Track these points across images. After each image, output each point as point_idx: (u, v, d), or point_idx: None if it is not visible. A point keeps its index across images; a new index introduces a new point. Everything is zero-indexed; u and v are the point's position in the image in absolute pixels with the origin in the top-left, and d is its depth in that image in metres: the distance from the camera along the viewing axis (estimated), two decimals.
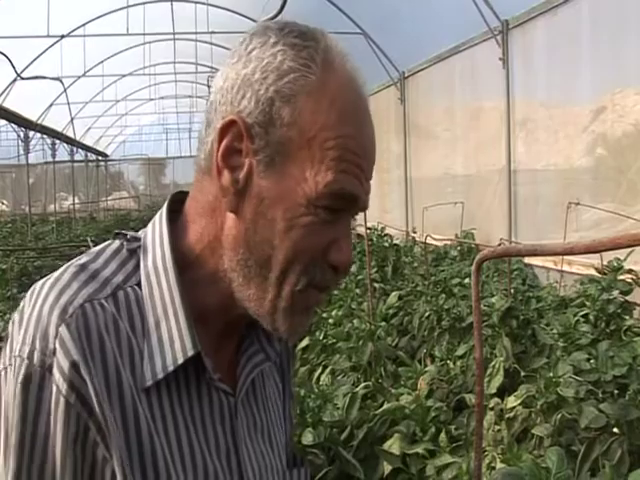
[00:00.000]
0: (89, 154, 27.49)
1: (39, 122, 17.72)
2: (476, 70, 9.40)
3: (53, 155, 21.23)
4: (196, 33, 14.94)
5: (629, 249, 4.70)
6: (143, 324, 0.79)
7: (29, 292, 0.78)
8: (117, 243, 0.84)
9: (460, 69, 9.95)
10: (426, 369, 4.26)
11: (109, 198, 28.95)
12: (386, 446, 3.26)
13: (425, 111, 11.45)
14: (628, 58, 6.39)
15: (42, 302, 0.75)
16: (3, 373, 0.74)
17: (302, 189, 0.77)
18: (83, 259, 0.81)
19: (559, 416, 3.15)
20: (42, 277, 0.82)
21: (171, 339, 0.78)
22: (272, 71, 0.77)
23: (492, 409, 3.49)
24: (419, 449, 3.22)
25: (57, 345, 0.71)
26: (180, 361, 0.77)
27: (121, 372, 0.74)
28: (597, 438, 2.99)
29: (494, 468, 2.98)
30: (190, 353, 0.77)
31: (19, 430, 0.72)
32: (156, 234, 0.84)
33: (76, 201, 22.94)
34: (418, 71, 11.41)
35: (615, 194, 6.75)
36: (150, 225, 0.86)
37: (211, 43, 16.86)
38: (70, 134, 20.21)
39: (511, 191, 8.44)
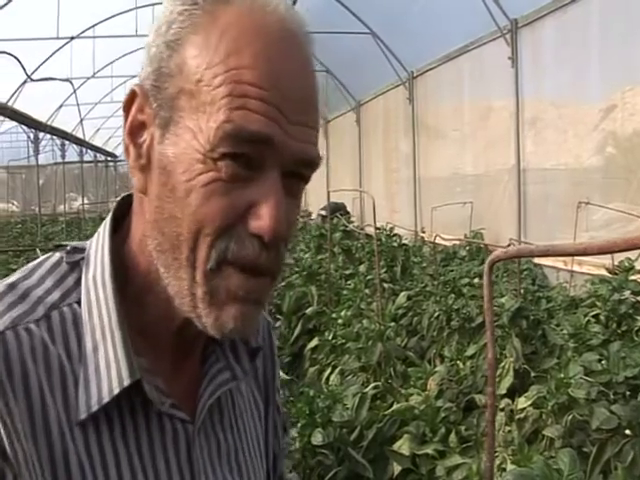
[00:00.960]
0: (98, 155, 27.59)
1: (49, 123, 17.80)
2: (485, 69, 9.36)
3: (63, 156, 21.33)
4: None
5: None
6: (80, 348, 0.68)
7: None
8: (57, 256, 0.75)
9: (469, 68, 9.92)
10: (435, 369, 4.25)
11: (118, 198, 29.04)
12: (396, 446, 3.25)
13: (434, 111, 11.42)
14: (638, 56, 6.35)
15: None
16: None
17: (197, 142, 0.64)
18: (15, 276, 0.72)
19: (570, 417, 3.13)
20: None
21: (108, 366, 0.68)
22: (163, 25, 0.69)
23: (502, 410, 3.48)
24: (429, 450, 3.21)
25: None
26: (116, 391, 0.67)
27: (48, 406, 0.65)
28: (609, 440, 2.98)
29: (505, 469, 2.96)
30: (126, 382, 0.67)
31: None
32: (99, 244, 0.73)
33: (85, 201, 23.03)
34: (427, 71, 11.38)
35: (626, 193, 6.71)
36: (96, 234, 0.75)
37: None
38: (79, 135, 20.30)
39: (520, 191, 8.41)
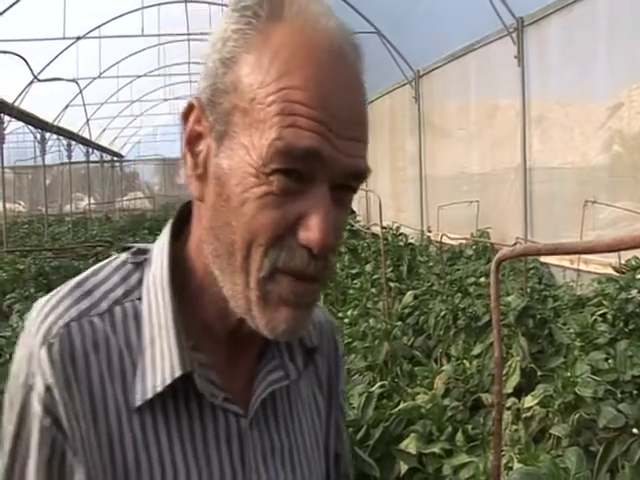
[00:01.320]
0: (104, 155, 27.68)
1: (55, 123, 17.86)
2: (491, 68, 9.34)
3: (69, 156, 21.37)
4: (211, 34, 14.98)
5: None
6: (139, 341, 0.75)
7: (33, 306, 0.77)
8: (123, 257, 0.81)
9: (475, 67, 9.90)
10: (442, 368, 4.24)
11: (124, 198, 29.13)
12: (402, 445, 3.25)
13: (440, 110, 11.41)
14: None
15: (33, 320, 0.74)
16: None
17: (250, 157, 0.68)
18: (85, 274, 0.79)
19: (577, 416, 3.13)
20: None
21: (163, 358, 0.73)
22: (218, 41, 0.72)
23: (509, 409, 3.47)
24: (435, 449, 3.20)
25: (36, 368, 0.70)
26: (168, 381, 0.72)
27: (107, 393, 0.71)
28: (616, 438, 2.97)
29: (511, 468, 2.96)
30: (178, 374, 0.72)
31: (8, 447, 0.73)
32: (160, 246, 0.79)
33: (92, 201, 23.10)
34: (433, 69, 11.37)
35: (633, 192, 6.68)
36: (158, 238, 0.82)
37: None
38: (86, 135, 20.37)
39: (527, 189, 8.39)
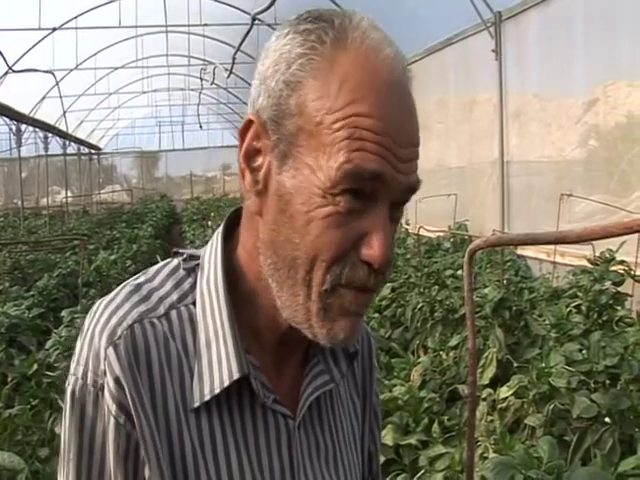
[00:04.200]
0: (82, 147, 27.37)
1: (31, 115, 17.63)
2: (469, 62, 9.39)
3: (45, 148, 21.11)
4: (189, 25, 14.88)
5: (621, 240, 4.72)
6: (195, 344, 0.78)
7: (90, 311, 0.80)
8: (175, 262, 0.84)
9: (453, 61, 9.94)
10: (419, 360, 4.27)
11: (102, 191, 28.83)
12: None
13: (418, 103, 11.27)
14: (620, 50, 6.40)
15: (95, 323, 0.76)
16: (66, 390, 0.77)
17: (317, 178, 0.71)
18: (140, 278, 0.82)
19: (551, 406, 3.17)
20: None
21: (219, 361, 0.77)
22: (282, 62, 0.74)
23: (485, 400, 3.50)
24: (412, 440, 3.23)
25: (106, 366, 0.73)
26: (226, 384, 0.76)
27: (167, 390, 0.75)
28: (589, 428, 3.01)
29: (487, 458, 2.99)
30: (236, 376, 0.75)
31: (77, 446, 0.75)
32: (212, 252, 0.82)
33: (69, 194, 22.85)
34: (411, 63, 11.38)
35: (607, 186, 6.76)
36: (209, 243, 0.84)
37: (204, 35, 16.80)
38: (62, 127, 20.10)
39: (504, 183, 8.46)
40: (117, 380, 0.73)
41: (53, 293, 7.12)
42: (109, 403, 0.73)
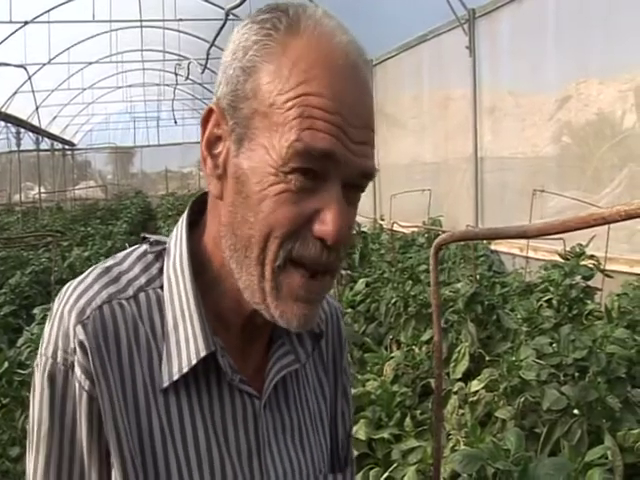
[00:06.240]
0: (55, 143, 27.06)
1: (3, 110, 17.38)
2: (443, 58, 9.44)
3: (18, 144, 20.82)
4: (164, 20, 14.78)
5: (591, 235, 4.79)
6: (163, 326, 0.80)
7: (59, 294, 0.81)
8: (143, 247, 0.86)
9: (428, 57, 9.99)
10: (392, 355, 4.29)
11: (76, 188, 28.52)
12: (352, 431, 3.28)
13: (394, 99, 11.47)
14: (592, 49, 6.48)
15: (64, 303, 0.78)
16: (35, 370, 0.79)
17: (270, 157, 0.73)
18: (109, 262, 0.83)
19: (522, 399, 3.20)
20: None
21: (187, 341, 0.78)
22: (239, 50, 0.77)
23: (456, 393, 3.53)
24: (385, 434, 3.24)
25: (76, 344, 0.75)
26: (194, 362, 0.77)
27: (136, 371, 0.77)
28: (558, 420, 3.05)
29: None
30: (203, 353, 0.77)
31: (48, 424, 0.76)
32: (177, 237, 0.84)
33: (42, 191, 22.59)
34: (386, 59, 11.42)
35: (580, 182, 6.85)
36: (175, 228, 0.86)
37: (179, 31, 16.67)
38: (35, 122, 19.88)
39: (478, 178, 8.53)
40: (85, 352, 0.74)
41: (25, 290, 7.05)
42: (81, 379, 0.74)
